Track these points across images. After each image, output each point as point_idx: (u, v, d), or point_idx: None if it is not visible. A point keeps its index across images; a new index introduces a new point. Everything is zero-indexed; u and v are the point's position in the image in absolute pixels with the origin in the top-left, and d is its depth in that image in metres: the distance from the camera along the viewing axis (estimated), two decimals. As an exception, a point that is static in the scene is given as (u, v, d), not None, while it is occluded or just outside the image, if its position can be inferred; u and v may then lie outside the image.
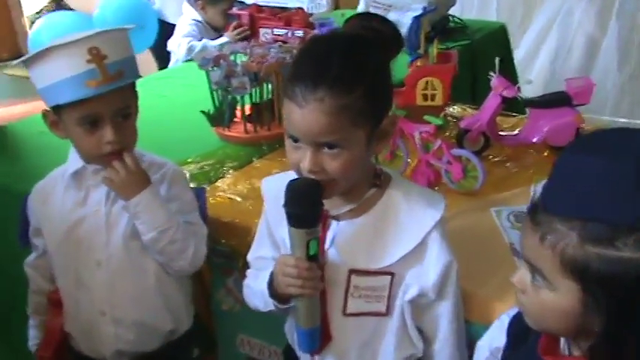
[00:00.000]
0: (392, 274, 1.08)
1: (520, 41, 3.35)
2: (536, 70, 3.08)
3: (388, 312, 1.10)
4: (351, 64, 0.98)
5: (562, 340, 0.88)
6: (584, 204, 0.76)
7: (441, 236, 1.08)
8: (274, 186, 1.15)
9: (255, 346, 1.55)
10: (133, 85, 1.28)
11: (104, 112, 1.20)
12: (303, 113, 0.96)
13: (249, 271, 1.23)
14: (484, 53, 2.70)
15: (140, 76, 1.30)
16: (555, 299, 0.80)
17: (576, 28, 3.15)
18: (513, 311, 0.99)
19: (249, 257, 1.24)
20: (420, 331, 1.14)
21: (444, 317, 1.12)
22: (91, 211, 1.30)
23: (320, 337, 1.09)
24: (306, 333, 1.08)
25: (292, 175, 1.16)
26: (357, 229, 1.08)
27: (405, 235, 1.07)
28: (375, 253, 1.07)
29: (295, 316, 1.09)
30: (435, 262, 1.08)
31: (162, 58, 3.28)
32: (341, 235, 1.07)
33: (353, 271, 1.07)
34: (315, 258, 1.03)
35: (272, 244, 1.18)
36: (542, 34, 3.28)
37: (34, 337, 1.46)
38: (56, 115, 1.24)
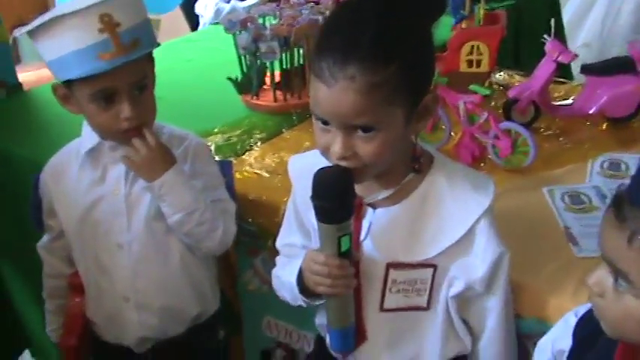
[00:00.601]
0: (434, 266, 0.98)
1: (567, 2, 3.14)
2: (585, 33, 2.87)
3: (429, 306, 1.01)
4: (386, 34, 0.85)
5: None
6: None
7: (489, 225, 0.97)
8: (303, 165, 1.05)
9: (282, 329, 1.48)
10: (150, 51, 1.17)
11: (120, 86, 1.10)
12: (332, 93, 0.85)
13: (278, 259, 1.15)
14: (530, 14, 2.52)
15: (158, 44, 1.19)
16: None
17: None
18: (582, 309, 0.90)
19: (278, 244, 1.15)
20: (466, 323, 1.05)
21: (493, 312, 1.02)
22: (109, 190, 1.21)
23: (354, 336, 1.01)
24: (338, 333, 1.01)
25: (319, 154, 1.05)
26: (395, 217, 0.97)
27: (450, 224, 0.96)
28: (416, 244, 0.97)
29: (327, 314, 1.01)
30: (483, 254, 0.97)
31: (193, 18, 3.15)
32: (377, 225, 0.97)
33: (391, 265, 0.98)
34: (347, 254, 0.93)
35: (301, 230, 1.09)
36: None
37: (51, 322, 1.40)
38: (67, 89, 1.14)
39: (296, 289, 1.02)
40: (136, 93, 1.12)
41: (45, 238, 1.34)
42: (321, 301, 1.02)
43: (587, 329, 0.87)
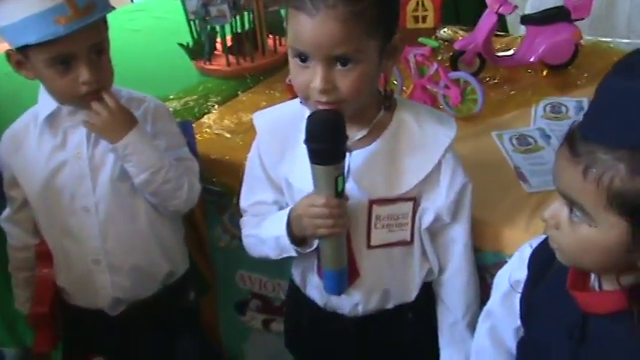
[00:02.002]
0: (414, 199, 1.04)
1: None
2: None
3: (412, 239, 1.07)
4: None
5: (592, 274, 0.84)
6: (634, 131, 0.69)
7: (455, 157, 1.05)
8: (269, 119, 1.08)
9: (257, 280, 1.51)
10: (104, 16, 1.16)
11: (77, 50, 1.09)
12: (315, 23, 0.88)
13: (245, 220, 1.15)
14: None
15: (113, 8, 1.18)
16: (598, 235, 0.75)
17: None
18: (535, 241, 0.96)
19: (244, 204, 1.15)
20: None
21: (458, 242, 1.09)
22: (71, 155, 1.21)
23: (347, 277, 1.05)
24: (334, 275, 1.03)
25: (286, 107, 1.09)
26: (372, 156, 1.02)
27: (421, 158, 1.02)
28: (393, 179, 1.02)
29: (322, 259, 1.04)
30: (450, 184, 1.04)
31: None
32: (356, 166, 1.01)
33: (374, 202, 1.02)
34: (342, 194, 0.97)
35: (272, 186, 1.10)
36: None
37: (20, 296, 1.37)
38: (22, 55, 1.12)
39: (286, 240, 1.03)
40: (93, 57, 1.12)
41: (7, 210, 1.33)
42: (311, 249, 1.04)
43: (541, 260, 0.91)
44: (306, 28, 0.89)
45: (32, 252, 1.33)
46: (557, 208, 0.79)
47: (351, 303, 1.10)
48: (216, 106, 1.63)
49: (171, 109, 1.57)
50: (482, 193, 1.22)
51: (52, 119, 1.20)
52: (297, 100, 1.06)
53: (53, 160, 1.21)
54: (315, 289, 1.14)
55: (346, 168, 1.00)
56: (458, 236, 1.08)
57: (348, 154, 1.00)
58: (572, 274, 0.84)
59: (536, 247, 0.95)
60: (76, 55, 1.10)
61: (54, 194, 1.22)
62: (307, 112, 1.03)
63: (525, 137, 1.39)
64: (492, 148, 1.37)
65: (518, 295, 0.96)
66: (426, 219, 1.05)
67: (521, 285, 0.96)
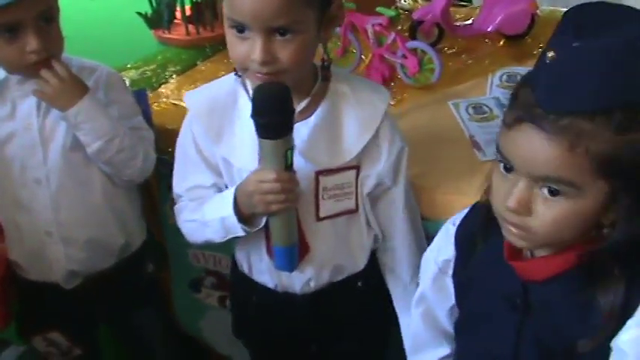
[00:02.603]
0: (357, 167, 1.04)
1: None
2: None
3: (357, 208, 1.08)
4: None
5: None
6: (608, 91, 0.68)
7: (391, 122, 1.07)
8: (202, 99, 1.05)
9: (210, 257, 1.50)
10: None
11: (24, 17, 1.07)
12: None
13: (182, 205, 1.11)
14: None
15: None
16: (583, 204, 0.72)
17: None
18: (458, 218, 0.94)
19: (178, 190, 1.11)
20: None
21: (398, 204, 1.11)
22: (21, 125, 1.18)
23: (298, 252, 1.04)
24: (286, 250, 1.02)
25: (219, 85, 1.06)
26: (314, 128, 1.02)
27: (360, 126, 1.03)
28: (336, 149, 1.03)
29: (273, 235, 1.02)
30: (389, 149, 1.06)
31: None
32: (299, 138, 1.01)
33: (320, 173, 1.02)
34: (291, 167, 0.96)
35: (209, 168, 1.07)
36: None
37: None
38: None
39: (233, 220, 1.01)
40: (42, 24, 1.10)
41: None
42: (259, 227, 1.03)
43: (467, 236, 0.89)
44: None
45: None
46: (525, 193, 0.74)
47: (303, 280, 1.10)
48: (174, 76, 1.61)
49: (128, 79, 1.57)
50: (436, 161, 1.25)
51: (0, 89, 1.18)
52: (229, 77, 1.05)
53: (1, 131, 1.19)
54: (264, 272, 1.12)
55: None
56: (398, 198, 1.10)
57: None
58: (508, 245, 0.82)
59: (460, 225, 0.93)
60: (22, 23, 1.07)
61: (3, 166, 1.20)
62: (241, 88, 1.03)
63: (481, 106, 1.41)
64: (448, 116, 1.38)
65: (449, 275, 0.95)
66: (368, 184, 1.06)
67: (451, 264, 0.94)
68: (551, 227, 0.74)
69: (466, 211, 0.94)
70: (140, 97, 1.33)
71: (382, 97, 1.05)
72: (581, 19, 0.70)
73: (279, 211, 0.98)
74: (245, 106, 1.01)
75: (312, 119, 1.02)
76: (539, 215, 0.74)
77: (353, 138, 1.03)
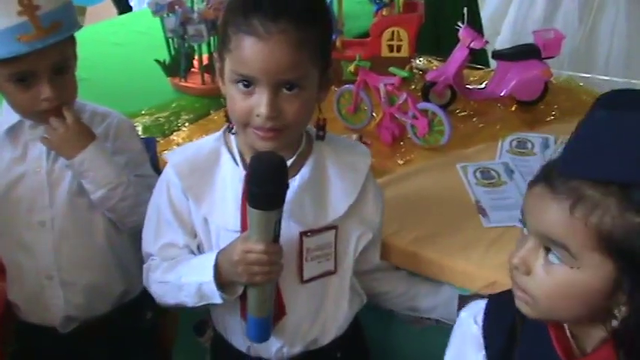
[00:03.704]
0: (335, 227, 1.04)
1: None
2: (499, 22, 3.01)
3: (336, 269, 1.06)
4: None
5: (569, 335, 0.78)
6: (621, 165, 0.66)
7: (372, 179, 1.10)
8: (185, 159, 1.03)
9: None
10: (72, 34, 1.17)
11: (39, 68, 1.10)
12: (266, 46, 0.89)
13: (154, 264, 1.07)
14: (450, 3, 2.62)
15: (80, 26, 1.19)
16: (579, 278, 0.70)
17: None
18: (478, 313, 0.86)
19: (150, 249, 1.08)
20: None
21: (378, 246, 1.15)
22: (30, 168, 1.20)
23: (272, 325, 1.02)
24: (260, 322, 0.99)
25: (200, 145, 1.06)
26: (298, 187, 1.01)
27: (344, 186, 1.04)
28: (321, 209, 1.03)
29: (249, 305, 0.99)
30: (375, 204, 1.10)
31: (122, 3, 3.13)
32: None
33: (304, 233, 1.01)
34: (278, 238, 0.94)
35: (183, 228, 1.04)
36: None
37: None
38: None
39: (212, 286, 0.97)
40: (56, 74, 1.12)
41: None
42: (237, 295, 0.99)
43: (501, 334, 0.82)
44: (256, 52, 0.89)
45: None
46: (529, 252, 0.73)
47: (276, 345, 1.06)
48: (187, 124, 1.63)
49: (141, 125, 1.59)
50: (440, 224, 1.24)
51: (13, 132, 1.20)
52: (212, 136, 1.06)
53: (12, 172, 1.20)
54: (237, 334, 1.09)
55: None
56: (377, 241, 1.14)
57: None
58: (560, 341, 0.77)
59: (487, 323, 0.85)
60: (37, 73, 1.11)
61: (10, 206, 1.21)
62: (224, 147, 1.02)
63: (489, 171, 1.40)
64: (455, 179, 1.38)
65: None
66: (363, 241, 1.08)
67: None
68: (549, 294, 0.73)
69: (482, 304, 0.87)
70: (149, 144, 1.35)
71: (365, 157, 1.08)
72: (614, 98, 0.71)
73: (263, 283, 0.95)
74: (227, 165, 1.01)
75: (297, 178, 1.01)
76: (538, 278, 0.73)
77: (338, 197, 1.03)
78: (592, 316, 0.73)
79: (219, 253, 0.98)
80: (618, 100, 0.69)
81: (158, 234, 1.07)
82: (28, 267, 1.24)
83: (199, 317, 1.51)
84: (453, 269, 1.16)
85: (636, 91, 0.73)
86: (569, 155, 0.70)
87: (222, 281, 0.98)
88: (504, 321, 0.80)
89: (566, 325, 0.79)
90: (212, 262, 0.97)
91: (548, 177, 0.71)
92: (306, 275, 1.03)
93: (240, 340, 1.09)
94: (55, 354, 1.30)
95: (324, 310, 1.08)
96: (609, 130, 0.67)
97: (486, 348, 0.84)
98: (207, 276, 0.97)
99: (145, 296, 1.35)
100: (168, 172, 1.05)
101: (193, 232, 1.05)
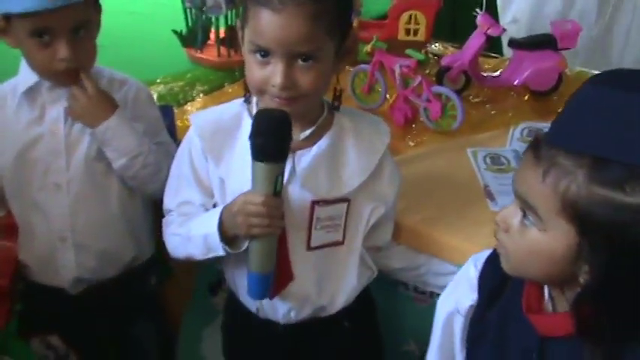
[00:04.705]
0: (348, 200, 1.06)
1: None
2: (516, 10, 2.99)
3: (344, 241, 1.09)
4: None
5: (546, 295, 0.84)
6: (597, 139, 0.68)
7: (390, 156, 1.12)
8: (208, 121, 1.07)
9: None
10: None
11: (59, 26, 1.10)
12: (281, 19, 0.90)
13: (170, 219, 1.12)
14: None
15: None
16: (545, 241, 0.75)
17: None
18: (480, 260, 0.93)
19: (169, 204, 1.13)
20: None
21: (391, 222, 1.17)
22: (47, 130, 1.21)
23: (274, 281, 1.03)
24: (259, 278, 1.01)
25: (225, 109, 1.09)
26: (315, 158, 1.03)
27: (361, 160, 1.06)
28: (335, 181, 1.04)
29: (249, 260, 1.01)
30: (391, 180, 1.11)
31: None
32: (300, 166, 1.02)
33: (316, 202, 1.03)
34: (279, 194, 0.97)
35: (200, 187, 1.08)
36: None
37: None
38: (5, 22, 1.13)
39: (216, 238, 1.01)
40: (75, 35, 1.13)
41: None
42: (240, 250, 1.02)
43: (493, 280, 0.88)
44: (271, 24, 0.90)
45: (-4, 222, 1.32)
46: (510, 212, 0.79)
47: (284, 308, 1.09)
48: (201, 95, 1.64)
49: (156, 93, 1.60)
50: (448, 206, 1.26)
51: (31, 93, 1.21)
52: (235, 102, 1.07)
53: (29, 133, 1.21)
54: (247, 294, 1.09)
55: (289, 168, 0.99)
56: (391, 217, 1.16)
57: (292, 154, 1.00)
58: (527, 296, 0.83)
59: (483, 270, 0.92)
60: (57, 31, 1.11)
61: (26, 167, 1.22)
62: (246, 113, 1.05)
63: (499, 157, 1.41)
64: (465, 163, 1.39)
65: (461, 320, 0.93)
66: (375, 215, 1.09)
67: (472, 310, 0.93)
68: (519, 252, 0.79)
69: (487, 253, 0.93)
70: (166, 112, 1.35)
71: (383, 133, 1.09)
72: (606, 75, 0.74)
73: (260, 236, 0.97)
74: (247, 130, 1.02)
75: (314, 148, 1.03)
76: (513, 237, 0.79)
77: (353, 172, 1.05)
78: (561, 280, 0.78)
79: (224, 206, 1.01)
80: (610, 78, 0.72)
81: (177, 191, 1.11)
82: (42, 228, 1.25)
83: (214, 278, 1.54)
84: (457, 249, 1.18)
85: (631, 71, 0.74)
86: (554, 125, 0.74)
87: (226, 234, 1.01)
88: (499, 272, 0.84)
89: (546, 287, 0.83)
90: (217, 215, 1.01)
91: (536, 145, 0.75)
92: (314, 243, 1.06)
93: (250, 301, 1.12)
94: (61, 315, 1.32)
95: (331, 279, 1.10)
96: (593, 105, 0.70)
97: (479, 292, 0.91)
98: (212, 228, 1.01)
99: (151, 263, 1.39)
100: (190, 132, 1.08)
101: (210, 192, 1.08)
